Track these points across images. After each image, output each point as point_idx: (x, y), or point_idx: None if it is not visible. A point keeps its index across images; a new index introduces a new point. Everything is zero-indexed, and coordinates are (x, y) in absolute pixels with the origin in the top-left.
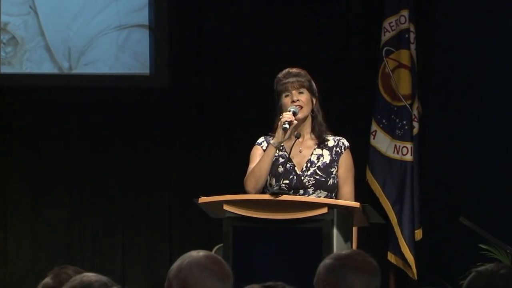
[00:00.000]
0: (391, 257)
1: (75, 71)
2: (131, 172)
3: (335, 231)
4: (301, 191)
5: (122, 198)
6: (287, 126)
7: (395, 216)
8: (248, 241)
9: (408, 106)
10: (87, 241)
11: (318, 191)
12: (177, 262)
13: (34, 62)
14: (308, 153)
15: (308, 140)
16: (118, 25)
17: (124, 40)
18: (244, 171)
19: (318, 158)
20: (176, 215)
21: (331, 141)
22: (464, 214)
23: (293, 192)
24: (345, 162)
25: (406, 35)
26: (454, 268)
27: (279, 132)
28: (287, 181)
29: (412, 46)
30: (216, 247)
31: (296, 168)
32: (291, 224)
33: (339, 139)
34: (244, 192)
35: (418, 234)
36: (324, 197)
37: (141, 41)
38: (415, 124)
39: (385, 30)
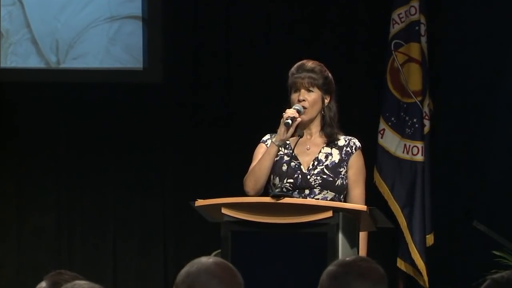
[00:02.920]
0: (400, 264)
1: (63, 65)
2: (123, 173)
3: (340, 236)
4: (307, 191)
5: (113, 200)
6: (289, 121)
7: (404, 220)
8: (248, 247)
9: (418, 103)
10: (77, 247)
11: (325, 191)
12: (185, 268)
13: (19, 56)
14: (316, 151)
15: (317, 138)
16: (109, 16)
17: (116, 32)
18: (243, 172)
19: (326, 157)
20: (171, 219)
21: (342, 140)
22: (478, 218)
23: (298, 192)
24: (356, 163)
25: (417, 27)
26: (468, 275)
27: (281, 129)
28: (291, 180)
29: (423, 39)
30: (213, 253)
31: (302, 167)
32: (293, 228)
33: (350, 138)
34: (244, 193)
35: (430, 239)
36: (331, 198)
37: (134, 34)
38: (426, 122)
39: (394, 22)
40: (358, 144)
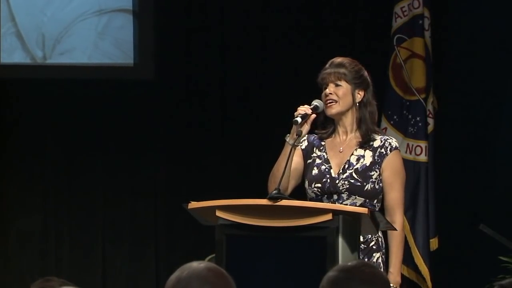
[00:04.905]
0: (403, 269)
1: (50, 61)
2: (113, 175)
3: (340, 240)
4: (335, 196)
5: (103, 202)
6: (298, 119)
7: (407, 224)
8: (244, 251)
9: (422, 100)
10: (64, 252)
11: (353, 196)
12: (175, 273)
13: (4, 51)
14: (348, 154)
15: (352, 139)
16: (98, 9)
17: (105, 27)
18: (240, 172)
19: (358, 160)
20: (163, 222)
21: (378, 141)
22: (485, 221)
23: (327, 197)
24: (391, 164)
25: (420, 21)
26: (473, 281)
27: (293, 128)
28: (319, 185)
29: (427, 34)
30: (207, 258)
31: (332, 170)
32: (291, 232)
33: (387, 139)
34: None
35: (434, 243)
36: (361, 204)
37: (124, 28)
38: (430, 120)
39: (397, 16)
40: (394, 144)
